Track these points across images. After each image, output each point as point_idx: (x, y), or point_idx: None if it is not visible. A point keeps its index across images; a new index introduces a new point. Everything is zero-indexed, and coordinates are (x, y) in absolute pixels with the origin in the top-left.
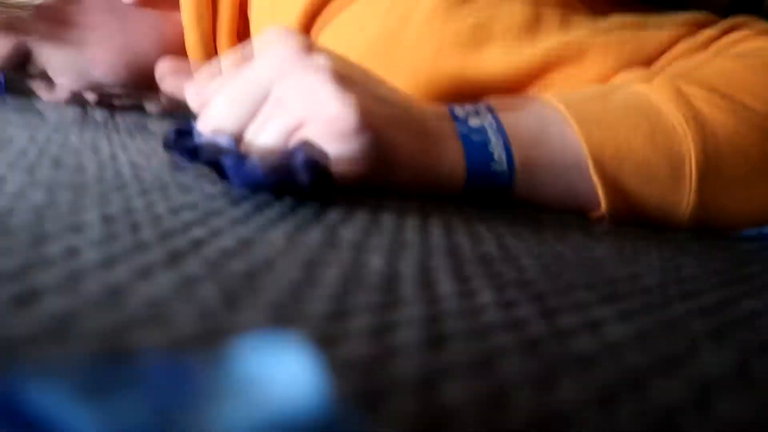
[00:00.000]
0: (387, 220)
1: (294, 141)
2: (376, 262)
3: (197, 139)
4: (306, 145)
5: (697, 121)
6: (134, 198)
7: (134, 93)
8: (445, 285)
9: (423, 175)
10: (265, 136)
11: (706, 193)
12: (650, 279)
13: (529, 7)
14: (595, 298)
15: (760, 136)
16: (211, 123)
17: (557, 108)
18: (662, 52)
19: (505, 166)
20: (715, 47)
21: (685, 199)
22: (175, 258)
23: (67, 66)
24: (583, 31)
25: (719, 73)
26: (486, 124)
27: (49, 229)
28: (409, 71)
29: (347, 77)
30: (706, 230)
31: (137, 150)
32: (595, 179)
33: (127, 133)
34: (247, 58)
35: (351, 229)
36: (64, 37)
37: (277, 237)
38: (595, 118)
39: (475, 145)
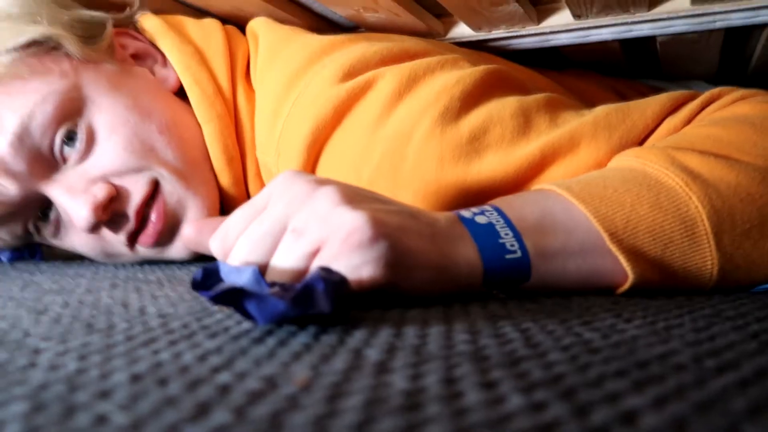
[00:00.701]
0: (410, 332)
1: (315, 263)
2: (399, 381)
3: (223, 278)
4: (323, 271)
5: (698, 181)
6: (162, 351)
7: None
8: (471, 395)
9: (442, 274)
10: (288, 263)
11: (726, 246)
12: (684, 355)
13: (519, 115)
14: (627, 385)
15: (764, 186)
16: (237, 263)
17: (557, 192)
18: (650, 132)
19: (519, 254)
20: (697, 119)
21: (708, 257)
22: (203, 410)
23: None
24: (572, 123)
25: (706, 138)
26: (493, 221)
27: (79, 398)
28: (414, 187)
29: (355, 198)
30: (740, 289)
31: (166, 299)
32: (615, 250)
33: (157, 283)
34: (261, 202)
35: (375, 348)
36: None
37: (302, 371)
38: (597, 194)
39: (486, 240)
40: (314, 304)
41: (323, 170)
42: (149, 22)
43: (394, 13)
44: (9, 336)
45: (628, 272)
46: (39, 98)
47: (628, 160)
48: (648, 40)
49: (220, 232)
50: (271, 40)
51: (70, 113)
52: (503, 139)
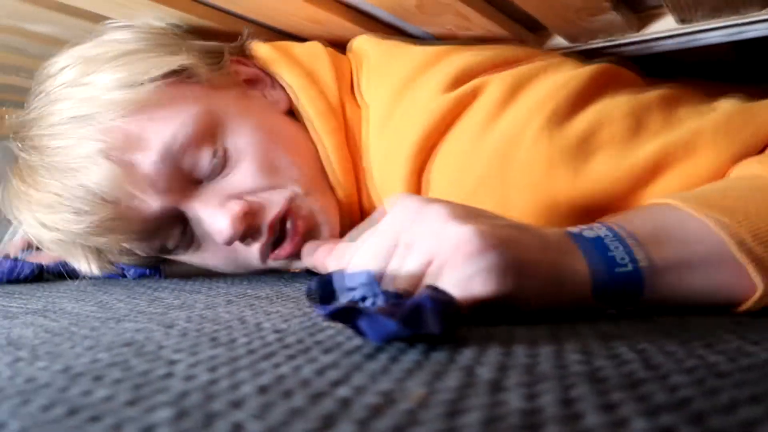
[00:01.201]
0: (520, 351)
1: (427, 277)
2: (515, 400)
3: (336, 287)
4: (432, 291)
5: None
6: (282, 365)
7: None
8: (591, 417)
9: (552, 286)
10: (402, 275)
11: None
12: None
13: (630, 115)
14: (763, 413)
15: None
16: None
17: (671, 204)
18: None
19: (630, 267)
20: None
21: None
22: (328, 422)
23: None
24: (690, 125)
25: None
26: (601, 234)
27: (216, 407)
28: (524, 191)
29: (464, 214)
30: None
31: (278, 315)
32: (742, 260)
33: (267, 299)
34: (374, 222)
35: (486, 367)
36: None
37: (417, 387)
38: (716, 203)
39: (595, 253)
40: (424, 323)
41: (434, 175)
42: (261, 49)
43: (487, 29)
44: (146, 348)
45: (757, 284)
46: (179, 122)
47: (752, 167)
48: (763, 41)
49: (339, 250)
50: (380, 54)
51: (207, 135)
52: (613, 141)
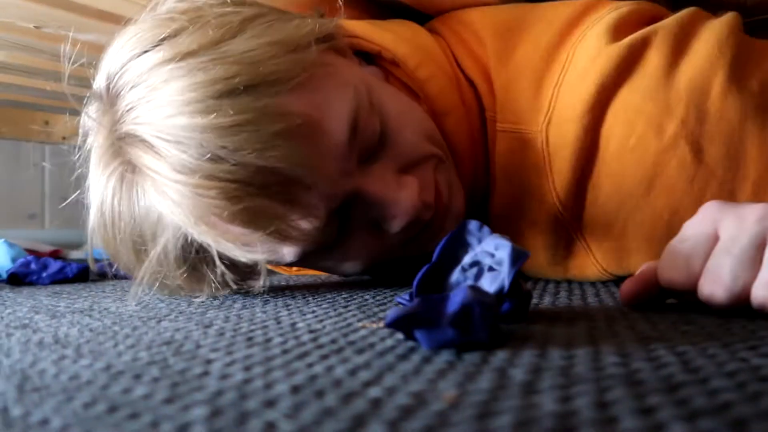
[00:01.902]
0: (555, 353)
1: None
2: (548, 403)
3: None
4: (476, 293)
5: None
6: (316, 365)
7: None
8: (627, 420)
9: None
10: None
11: None
12: None
13: None
14: None
15: None
16: (720, 286)
17: None
18: None
19: None
20: None
21: None
22: (359, 422)
23: None
24: None
25: None
26: None
27: (250, 406)
28: (721, 140)
29: None
30: None
31: (313, 315)
32: None
33: (303, 299)
34: (704, 228)
35: (520, 369)
36: None
37: (449, 388)
38: None
39: None
40: (472, 327)
41: (612, 129)
42: (357, 26)
43: None
44: (184, 347)
45: None
46: (352, 93)
47: None
48: None
49: (678, 261)
50: (504, 21)
51: (371, 107)
52: None
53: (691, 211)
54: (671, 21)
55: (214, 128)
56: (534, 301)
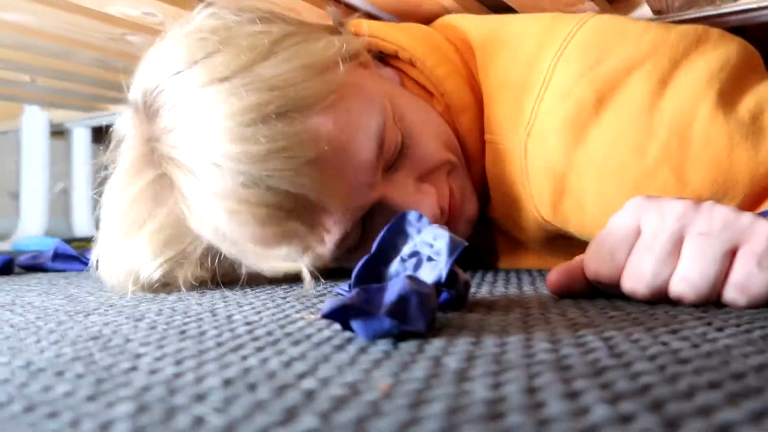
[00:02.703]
0: (489, 341)
1: (739, 261)
2: (480, 390)
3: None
4: (414, 283)
5: None
6: (250, 357)
7: None
8: (554, 405)
9: None
10: (704, 264)
11: None
12: None
13: None
14: (721, 398)
15: None
16: (641, 281)
17: None
18: None
19: None
20: None
21: None
22: (291, 415)
23: None
24: None
25: None
26: None
27: (178, 401)
28: (706, 166)
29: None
30: None
31: (251, 307)
32: None
33: (242, 292)
34: (630, 223)
35: (454, 357)
36: None
37: (383, 378)
38: None
39: None
40: (409, 317)
41: (592, 148)
42: (374, 26)
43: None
44: (112, 342)
45: None
46: (378, 108)
47: None
48: None
49: (603, 255)
50: (485, 31)
51: (395, 119)
52: None
53: None
54: (663, 46)
55: (248, 155)
56: (472, 290)
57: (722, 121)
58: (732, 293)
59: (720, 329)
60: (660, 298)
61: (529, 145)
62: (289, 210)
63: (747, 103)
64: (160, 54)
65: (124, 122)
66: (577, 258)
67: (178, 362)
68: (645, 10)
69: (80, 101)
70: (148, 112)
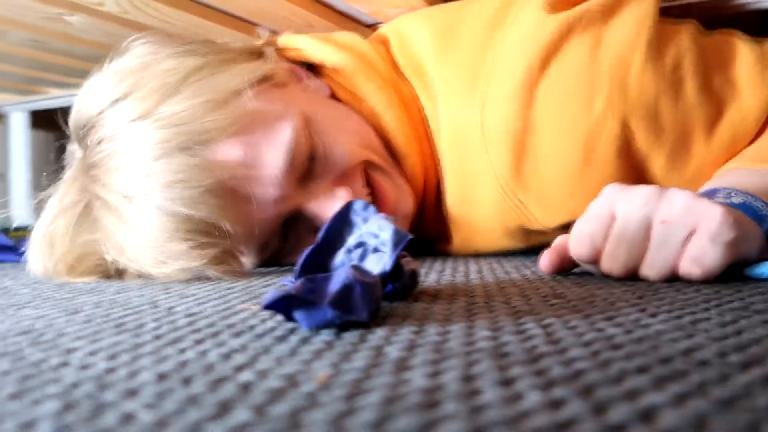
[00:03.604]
0: (432, 330)
1: (692, 245)
2: (418, 378)
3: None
4: (358, 273)
5: None
6: (188, 350)
7: None
8: (489, 392)
9: (754, 244)
10: (668, 251)
11: None
12: (709, 350)
13: (694, 45)
14: (648, 382)
15: None
16: (617, 263)
17: (754, 168)
18: None
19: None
20: None
21: None
22: (225, 408)
23: None
24: (733, 65)
25: None
26: (746, 200)
27: (108, 397)
28: (642, 112)
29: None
30: None
31: (194, 298)
32: None
33: (186, 282)
34: (605, 209)
35: (396, 346)
36: None
37: (323, 369)
38: None
39: (754, 214)
40: (353, 307)
41: (544, 106)
42: (299, 40)
43: (414, 7)
44: (44, 336)
45: None
46: (288, 132)
47: None
48: None
49: (584, 239)
50: (438, 21)
51: (308, 136)
52: (694, 70)
53: (625, 180)
54: (593, 8)
55: (155, 186)
56: (419, 279)
57: (652, 70)
58: (688, 266)
59: (653, 315)
60: (632, 275)
61: (486, 114)
62: (189, 231)
63: (670, 52)
64: (91, 89)
65: (70, 148)
66: (564, 238)
67: (112, 357)
68: None
69: (16, 84)
70: (82, 143)
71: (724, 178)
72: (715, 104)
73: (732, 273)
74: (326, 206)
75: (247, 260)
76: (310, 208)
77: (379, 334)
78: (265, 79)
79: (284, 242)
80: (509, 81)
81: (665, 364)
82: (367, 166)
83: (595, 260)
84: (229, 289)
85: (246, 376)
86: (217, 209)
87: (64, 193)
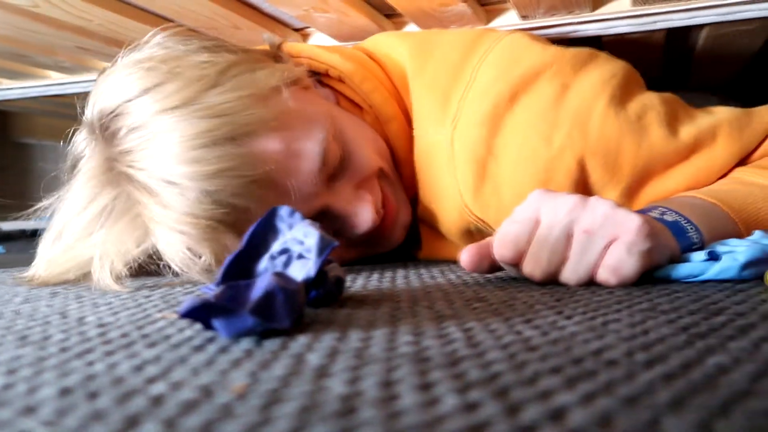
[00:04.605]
0: (354, 336)
1: (610, 253)
2: (337, 386)
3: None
4: (280, 280)
5: None
6: (97, 362)
7: None
8: (407, 397)
9: (663, 255)
10: (588, 259)
11: None
12: (618, 350)
13: (665, 104)
14: (559, 383)
15: None
16: (538, 267)
17: (701, 198)
18: (764, 139)
19: (696, 239)
20: None
21: None
22: (132, 423)
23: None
24: (709, 119)
25: None
26: (677, 219)
27: (2, 415)
28: (602, 153)
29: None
30: (683, 284)
31: (108, 307)
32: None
33: (100, 291)
34: (531, 214)
35: (317, 353)
36: None
37: (240, 379)
38: (738, 206)
39: (679, 232)
40: (274, 314)
41: (508, 137)
42: (308, 48)
43: (343, 13)
44: None
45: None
46: (320, 129)
47: (747, 174)
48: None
49: (508, 241)
50: (415, 43)
51: (337, 136)
52: (660, 122)
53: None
54: (564, 58)
55: (199, 174)
56: (345, 284)
57: (614, 117)
58: (605, 274)
59: (569, 317)
60: (552, 281)
61: (456, 135)
62: (230, 224)
63: (633, 106)
64: (114, 80)
65: (79, 141)
66: (488, 239)
67: (11, 372)
68: (512, 15)
69: None
70: (105, 134)
71: (669, 200)
72: (684, 151)
73: (643, 276)
74: (353, 207)
75: None
76: (337, 207)
77: (301, 341)
78: (295, 82)
79: None
80: (481, 108)
81: (577, 365)
82: (380, 175)
83: (517, 262)
84: (147, 297)
85: (158, 388)
86: (259, 200)
87: (86, 180)
